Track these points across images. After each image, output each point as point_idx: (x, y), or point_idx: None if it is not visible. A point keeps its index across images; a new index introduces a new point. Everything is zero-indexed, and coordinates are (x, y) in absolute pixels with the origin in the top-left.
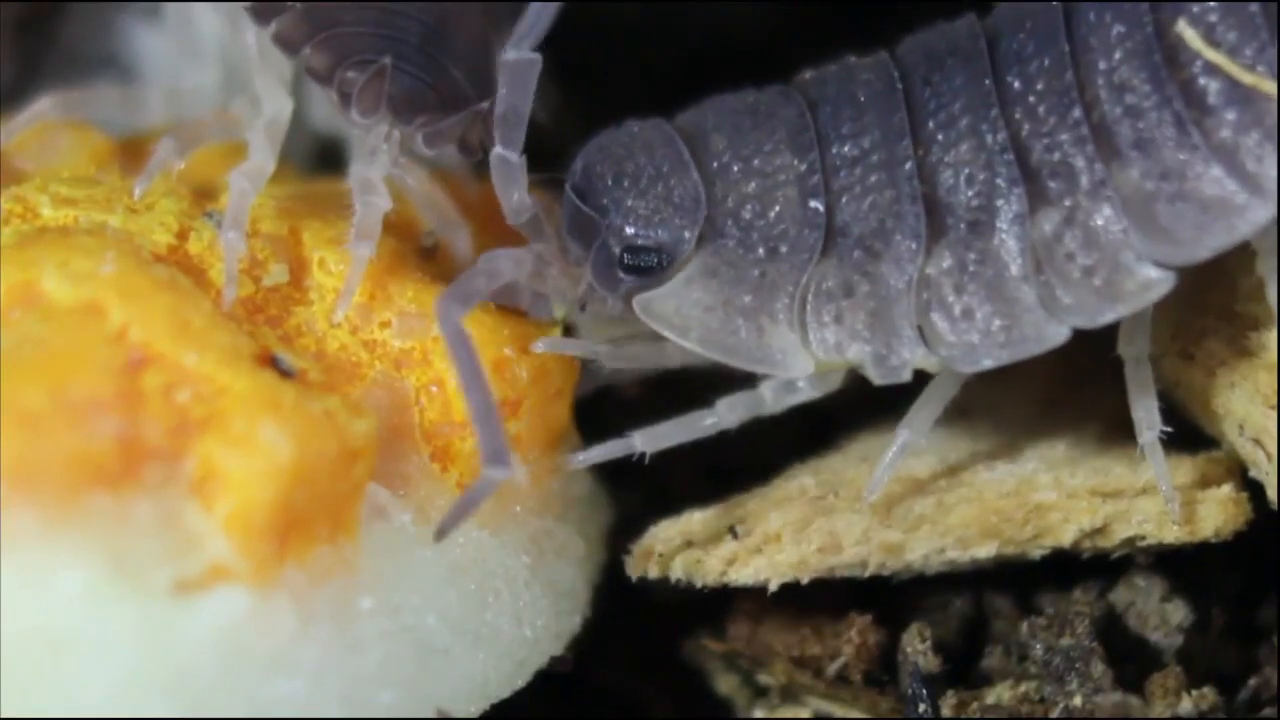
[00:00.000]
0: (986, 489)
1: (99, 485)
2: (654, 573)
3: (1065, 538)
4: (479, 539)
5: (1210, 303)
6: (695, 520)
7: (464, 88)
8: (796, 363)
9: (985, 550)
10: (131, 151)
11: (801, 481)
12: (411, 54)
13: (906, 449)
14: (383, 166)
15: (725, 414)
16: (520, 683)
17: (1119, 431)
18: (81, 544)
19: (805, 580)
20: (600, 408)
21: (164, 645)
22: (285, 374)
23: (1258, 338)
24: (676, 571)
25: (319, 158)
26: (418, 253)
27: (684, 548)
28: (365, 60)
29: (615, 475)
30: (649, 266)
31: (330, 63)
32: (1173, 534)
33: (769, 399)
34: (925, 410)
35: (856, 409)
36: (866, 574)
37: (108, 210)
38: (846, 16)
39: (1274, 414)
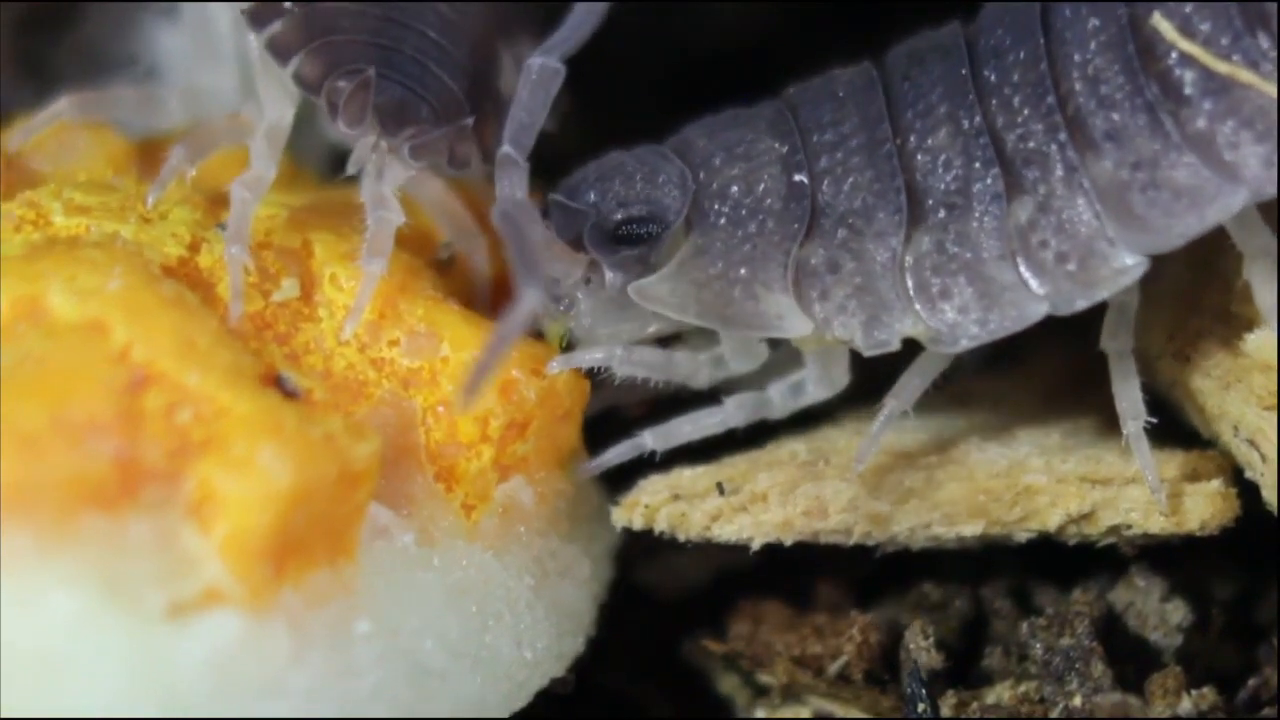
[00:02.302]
0: (978, 468)
1: (95, 506)
2: (639, 524)
3: (1051, 522)
4: (482, 560)
5: (1206, 304)
6: (684, 476)
7: (458, 98)
8: (794, 324)
9: (971, 529)
10: (150, 154)
11: (793, 447)
12: (404, 64)
13: (893, 418)
14: (395, 180)
15: (733, 412)
16: (519, 704)
17: (1115, 425)
18: (76, 565)
19: (789, 542)
20: (607, 427)
21: (157, 668)
22: (290, 394)
23: (1252, 339)
24: (661, 524)
25: (332, 167)
26: (433, 265)
27: (670, 501)
28: (355, 70)
29: (619, 486)
30: (643, 235)
31: (320, 72)
32: (1158, 524)
33: (776, 401)
34: (913, 381)
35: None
36: (850, 542)
37: (120, 219)
38: (845, 19)
39: (1269, 415)
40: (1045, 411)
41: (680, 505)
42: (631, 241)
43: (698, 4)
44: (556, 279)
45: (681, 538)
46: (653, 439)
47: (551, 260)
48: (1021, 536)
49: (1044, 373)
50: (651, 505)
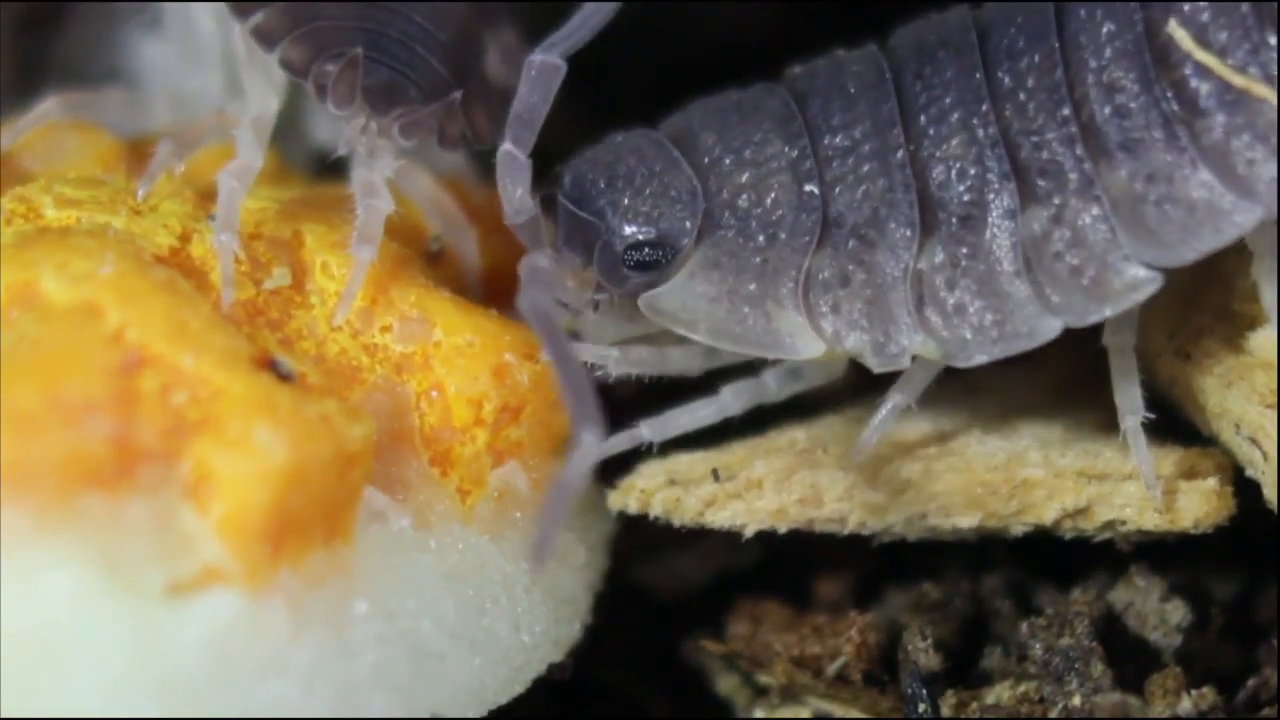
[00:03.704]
0: (976, 460)
1: (93, 486)
2: (634, 508)
3: (1047, 515)
4: (478, 545)
5: (1207, 302)
6: (681, 461)
7: (445, 79)
8: (807, 345)
9: (967, 520)
10: (138, 153)
11: (792, 434)
12: (391, 47)
13: (896, 411)
14: (385, 169)
15: (730, 401)
16: (518, 689)
17: (1118, 422)
18: (74, 545)
19: (783, 530)
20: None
21: (156, 647)
22: (284, 377)
23: (1255, 337)
24: (656, 509)
25: (319, 169)
26: (423, 257)
27: (666, 485)
28: (342, 53)
29: (615, 476)
30: (654, 261)
31: (307, 57)
32: (1152, 521)
33: (773, 386)
34: (918, 375)
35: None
36: (846, 531)
37: (111, 212)
38: (846, 17)
39: (1270, 413)
40: (1051, 406)
41: (675, 490)
42: (641, 267)
43: (698, 1)
44: (565, 300)
45: (676, 523)
46: (649, 430)
47: (565, 289)
48: (1018, 530)
49: (1054, 368)
50: (647, 490)
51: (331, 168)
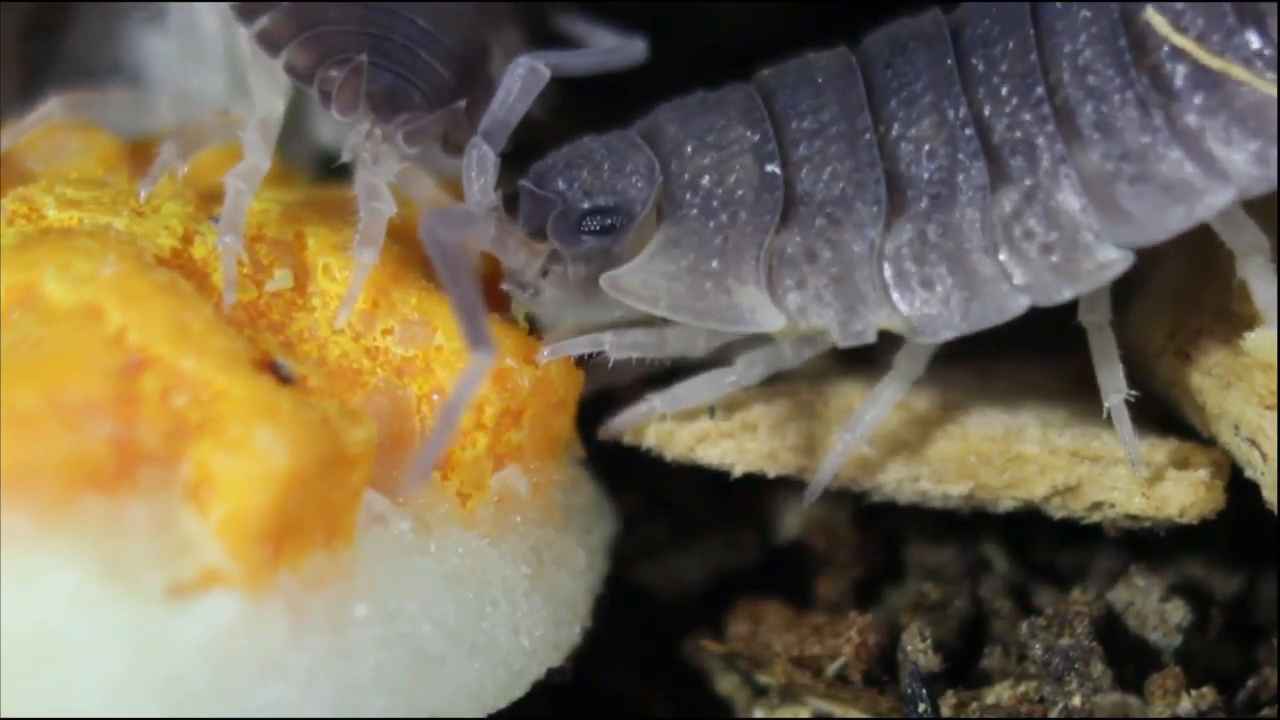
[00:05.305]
0: (974, 431)
1: (93, 488)
2: (627, 439)
3: (1037, 491)
4: (478, 548)
5: (1206, 302)
6: None
7: (450, 85)
8: (767, 319)
9: (958, 489)
10: (140, 154)
11: (795, 385)
12: (395, 52)
13: (891, 403)
14: (388, 172)
15: (745, 371)
16: (518, 693)
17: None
18: (74, 546)
19: (772, 474)
20: (601, 411)
21: (156, 649)
22: (285, 380)
23: (1253, 337)
24: (649, 440)
25: (323, 170)
26: (424, 260)
27: (659, 418)
28: (346, 59)
29: (615, 477)
30: (609, 227)
31: (311, 62)
32: (1139, 505)
33: (789, 353)
34: (911, 365)
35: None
36: (835, 485)
37: (113, 213)
38: (847, 17)
39: (1270, 414)
40: (1060, 393)
41: (668, 424)
42: (595, 233)
43: (698, 1)
44: (517, 269)
45: (668, 456)
46: (662, 402)
47: (509, 253)
48: (1007, 504)
49: (1071, 359)
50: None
51: (335, 169)
